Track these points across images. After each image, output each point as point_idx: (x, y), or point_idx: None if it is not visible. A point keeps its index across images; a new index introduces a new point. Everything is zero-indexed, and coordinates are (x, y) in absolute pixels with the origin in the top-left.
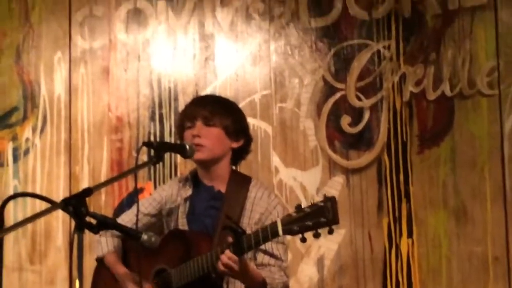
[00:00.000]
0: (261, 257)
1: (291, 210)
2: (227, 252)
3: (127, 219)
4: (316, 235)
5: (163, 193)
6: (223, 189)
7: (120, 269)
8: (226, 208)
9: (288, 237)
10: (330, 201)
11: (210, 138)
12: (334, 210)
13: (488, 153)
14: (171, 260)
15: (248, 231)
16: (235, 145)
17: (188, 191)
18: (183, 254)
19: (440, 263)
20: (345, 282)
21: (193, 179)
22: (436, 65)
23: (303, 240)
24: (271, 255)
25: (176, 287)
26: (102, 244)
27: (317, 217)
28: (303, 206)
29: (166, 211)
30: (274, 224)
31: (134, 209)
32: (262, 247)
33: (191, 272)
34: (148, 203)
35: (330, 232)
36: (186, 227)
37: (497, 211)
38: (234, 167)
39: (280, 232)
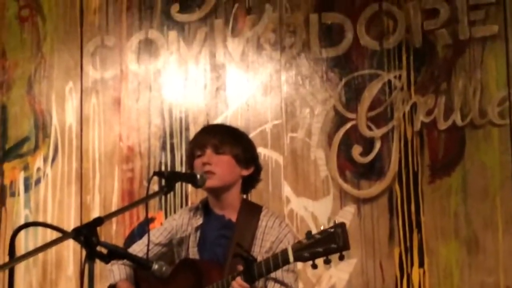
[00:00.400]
0: (271, 286)
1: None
2: (238, 279)
3: (138, 249)
4: (327, 262)
5: (173, 222)
6: (233, 218)
7: None
8: (237, 237)
9: (299, 266)
10: (340, 227)
11: (220, 166)
12: (344, 236)
13: (499, 182)
14: None
15: (259, 260)
16: (245, 173)
17: (199, 220)
18: (194, 283)
19: None
20: None
21: (204, 208)
22: (447, 95)
23: (314, 266)
24: (282, 283)
25: None
26: (115, 272)
27: (327, 244)
28: (313, 233)
29: (177, 241)
30: (285, 251)
31: (145, 239)
32: (273, 275)
33: None
34: (158, 233)
35: (341, 258)
36: (197, 256)
37: (509, 240)
38: (244, 196)
39: (291, 259)
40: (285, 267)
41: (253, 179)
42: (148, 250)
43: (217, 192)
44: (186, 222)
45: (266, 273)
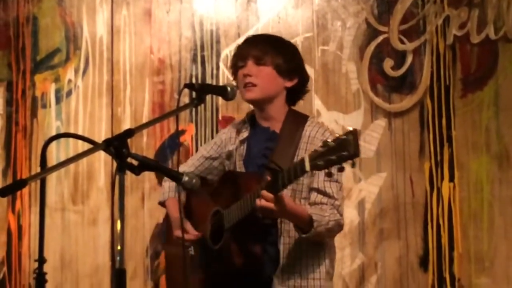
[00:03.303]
0: (314, 196)
1: None
2: (264, 191)
3: (190, 163)
4: (340, 169)
5: (222, 136)
6: (278, 129)
7: (174, 214)
8: (280, 148)
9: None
10: (351, 134)
11: (261, 77)
12: (355, 143)
13: None
14: (224, 202)
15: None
16: (288, 84)
17: (245, 133)
18: (234, 195)
19: (482, 208)
20: (386, 225)
21: (250, 121)
22: (480, 8)
23: (329, 175)
24: (324, 193)
25: (228, 228)
26: (165, 189)
27: (340, 151)
28: (328, 141)
29: (226, 154)
30: (302, 160)
31: (196, 154)
32: (315, 185)
33: (238, 212)
34: (209, 147)
35: (353, 165)
36: (242, 169)
37: None
38: (292, 107)
39: (307, 167)
40: (327, 177)
41: (298, 90)
42: (195, 164)
43: (260, 104)
44: (234, 136)
45: (288, 183)
